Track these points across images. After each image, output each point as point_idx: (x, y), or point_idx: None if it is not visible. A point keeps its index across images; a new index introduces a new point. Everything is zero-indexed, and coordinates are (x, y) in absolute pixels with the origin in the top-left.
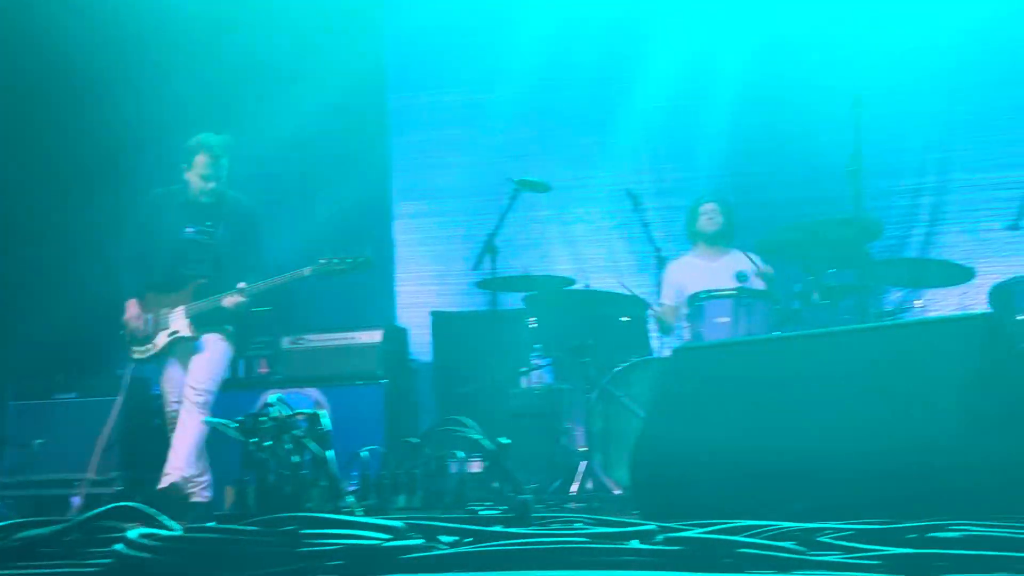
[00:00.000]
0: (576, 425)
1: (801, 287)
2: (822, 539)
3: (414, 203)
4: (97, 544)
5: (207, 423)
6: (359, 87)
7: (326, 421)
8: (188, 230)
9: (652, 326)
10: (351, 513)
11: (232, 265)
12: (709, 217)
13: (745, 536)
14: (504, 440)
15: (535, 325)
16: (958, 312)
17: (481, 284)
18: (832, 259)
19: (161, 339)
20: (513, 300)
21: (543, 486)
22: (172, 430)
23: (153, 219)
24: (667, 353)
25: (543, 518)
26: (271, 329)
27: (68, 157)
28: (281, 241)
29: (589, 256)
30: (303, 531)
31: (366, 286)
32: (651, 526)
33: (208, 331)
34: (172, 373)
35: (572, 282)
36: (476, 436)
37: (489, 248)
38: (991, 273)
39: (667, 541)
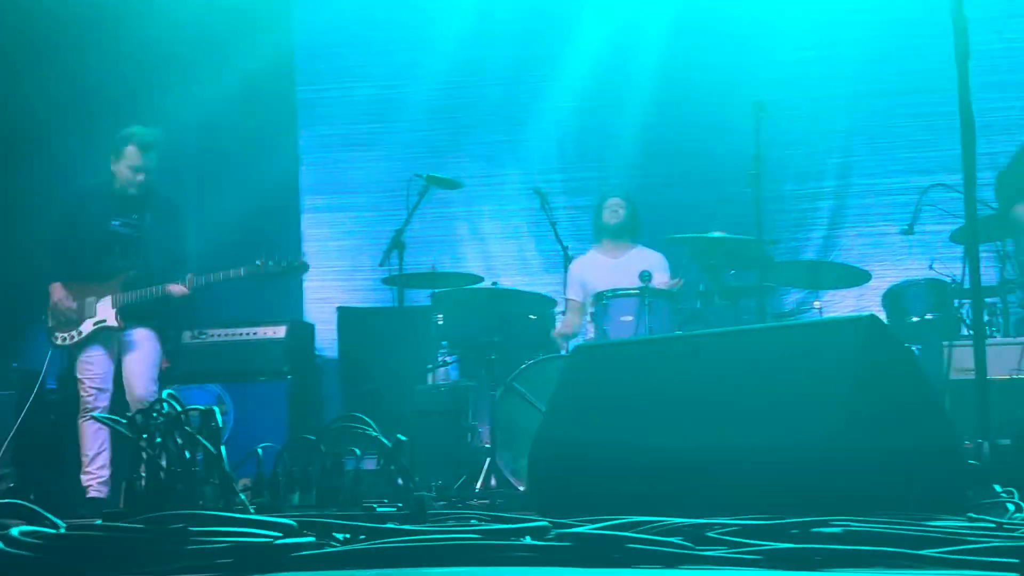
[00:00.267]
0: (481, 422)
1: (703, 288)
2: (709, 534)
3: (322, 197)
4: None
5: (95, 419)
6: (267, 78)
7: (220, 417)
8: (114, 223)
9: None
10: (243, 511)
11: (159, 258)
12: (613, 210)
13: (635, 532)
14: (401, 437)
15: (442, 322)
16: (845, 314)
17: (388, 280)
18: (733, 261)
19: (86, 327)
20: (420, 297)
21: (448, 483)
22: (84, 417)
23: (77, 211)
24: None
25: (439, 515)
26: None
27: None
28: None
29: (498, 254)
30: (192, 529)
31: (271, 280)
32: (543, 523)
33: (135, 324)
34: (93, 360)
35: (480, 279)
36: (374, 433)
37: (397, 244)
38: (886, 276)
39: (558, 537)
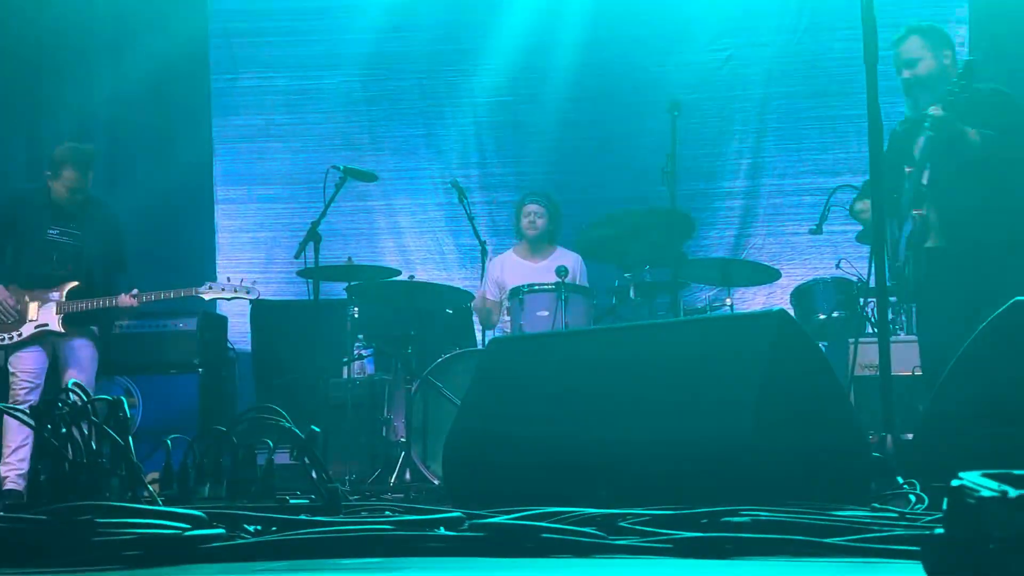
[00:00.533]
0: (397, 416)
1: (619, 283)
2: (622, 524)
3: (236, 189)
4: None
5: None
6: (180, 66)
7: (127, 408)
8: (51, 231)
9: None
10: (151, 503)
11: (99, 267)
12: (530, 220)
13: (548, 522)
14: (315, 428)
15: (357, 315)
16: (756, 309)
17: (303, 272)
18: (648, 257)
19: (27, 329)
20: (336, 290)
21: (362, 477)
22: None
23: (13, 216)
24: None
25: (353, 507)
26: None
27: None
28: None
29: (415, 247)
30: (98, 520)
31: (184, 272)
32: (457, 514)
33: (75, 330)
34: (30, 355)
35: (397, 273)
36: (286, 424)
37: (313, 236)
38: (795, 275)
39: (472, 528)
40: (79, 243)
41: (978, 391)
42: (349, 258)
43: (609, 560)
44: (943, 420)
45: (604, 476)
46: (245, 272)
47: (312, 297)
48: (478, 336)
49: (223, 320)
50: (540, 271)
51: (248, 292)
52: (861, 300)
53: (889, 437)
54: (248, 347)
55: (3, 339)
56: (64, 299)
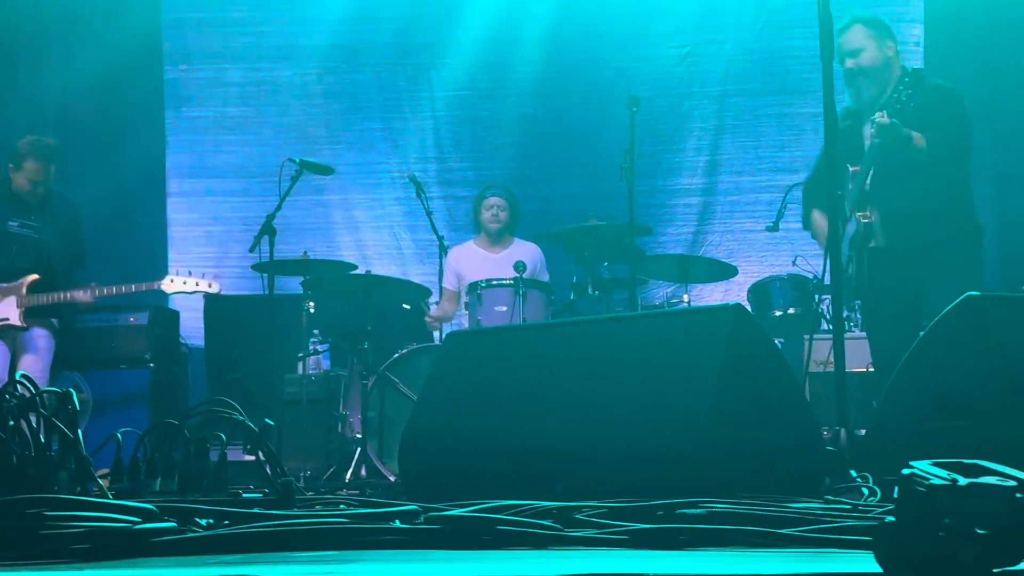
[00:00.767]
0: (353, 412)
1: (577, 279)
2: (578, 516)
3: (190, 182)
4: None
5: None
6: (132, 56)
7: (76, 400)
8: (11, 223)
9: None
10: (101, 497)
11: (59, 261)
12: (492, 214)
13: (505, 515)
14: (269, 421)
15: (313, 310)
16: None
17: (257, 267)
18: (606, 254)
19: None
20: (292, 284)
21: (317, 473)
22: None
23: None
24: None
25: (307, 500)
26: None
27: None
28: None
29: (372, 242)
30: (46, 514)
31: (136, 266)
32: (413, 507)
33: (35, 323)
34: None
35: (354, 267)
36: (240, 418)
37: (268, 230)
38: (751, 271)
39: (428, 521)
40: (40, 236)
41: (929, 386)
42: (305, 252)
43: (565, 552)
44: (895, 415)
45: (561, 470)
46: (198, 266)
47: (267, 292)
48: (434, 332)
49: (175, 315)
50: (499, 262)
51: (211, 286)
52: (816, 297)
53: (843, 431)
54: (201, 342)
55: None
56: (26, 293)
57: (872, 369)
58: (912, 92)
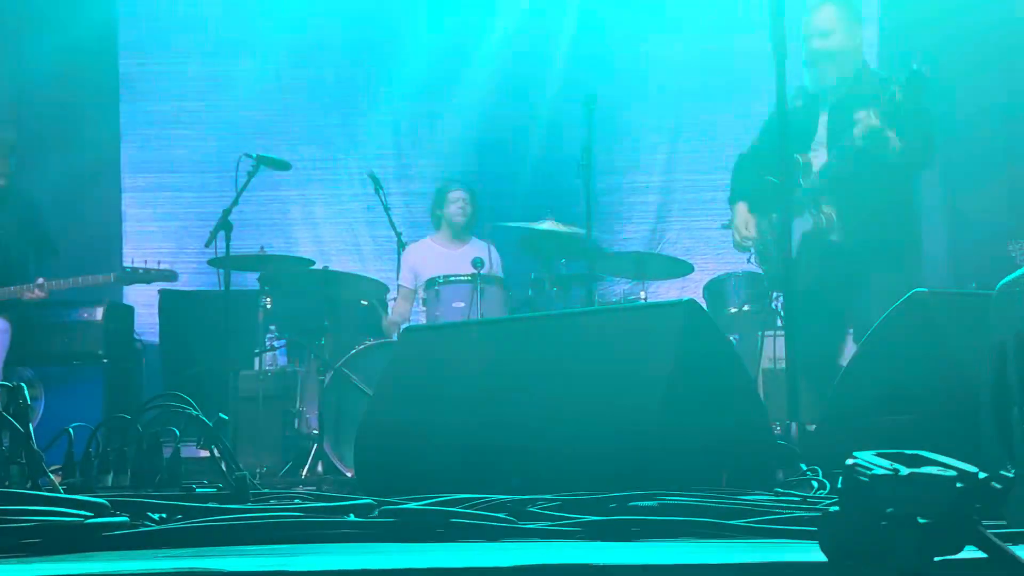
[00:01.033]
0: (309, 408)
1: (535, 275)
2: (532, 509)
3: (145, 176)
4: None
5: None
6: (87, 49)
7: (27, 394)
8: None
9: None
10: (53, 491)
11: (20, 255)
12: (459, 207)
13: (459, 508)
14: (223, 416)
15: (270, 306)
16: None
17: (213, 262)
18: (564, 251)
19: None
20: (249, 280)
21: (273, 470)
22: None
23: None
24: None
25: (261, 495)
26: None
27: None
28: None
29: (330, 238)
30: None
31: (90, 262)
32: (368, 500)
33: None
34: None
35: (311, 263)
36: (194, 412)
37: (224, 225)
38: (707, 269)
39: (383, 514)
40: None
41: (877, 381)
42: (262, 248)
43: (519, 544)
44: (844, 409)
45: (517, 464)
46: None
47: (223, 287)
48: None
49: (130, 310)
50: (457, 259)
51: (168, 277)
52: (771, 294)
53: (794, 426)
54: (156, 338)
55: None
56: None
57: None
58: (909, 95)
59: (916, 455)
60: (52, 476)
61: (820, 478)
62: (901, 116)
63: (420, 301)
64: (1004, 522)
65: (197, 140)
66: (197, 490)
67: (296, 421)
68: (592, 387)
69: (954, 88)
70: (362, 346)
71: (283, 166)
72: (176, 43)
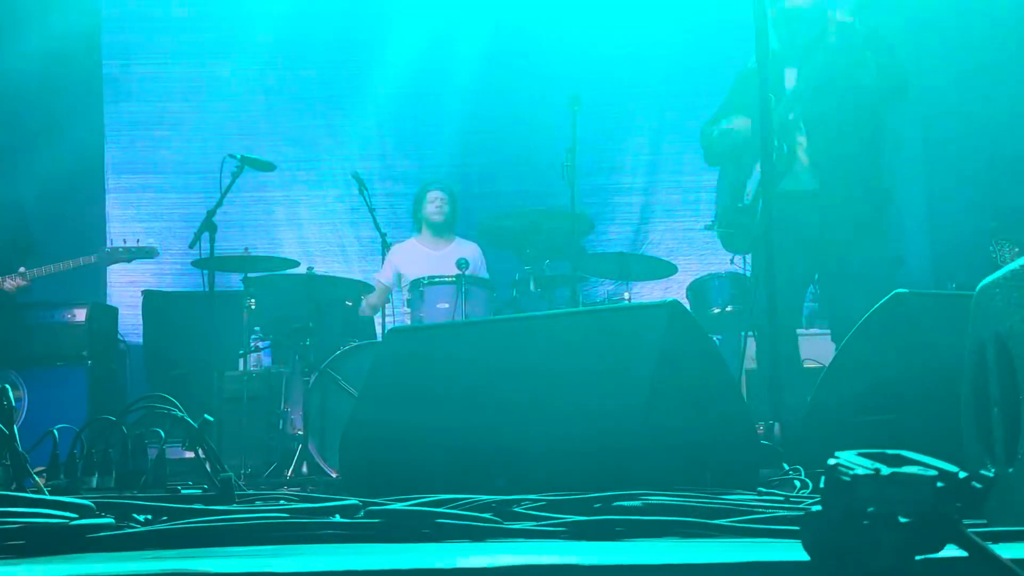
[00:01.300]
0: (294, 409)
1: (519, 276)
2: (517, 510)
3: (129, 177)
4: None
5: None
6: (70, 51)
7: (12, 396)
8: None
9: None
10: (37, 492)
11: (1, 257)
12: (437, 206)
13: (445, 508)
14: (208, 417)
15: (254, 307)
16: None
17: (197, 263)
18: (548, 251)
19: None
20: (233, 281)
21: (258, 471)
22: None
23: None
24: None
25: (246, 496)
26: None
27: None
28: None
29: (314, 239)
30: None
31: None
32: (353, 501)
33: None
34: None
35: (295, 264)
36: (179, 413)
37: (208, 226)
38: (691, 269)
39: (368, 515)
40: None
41: (859, 381)
42: (246, 249)
43: (504, 543)
44: (827, 409)
45: (502, 465)
46: (137, 263)
47: (207, 288)
48: (377, 329)
49: (113, 311)
50: (441, 260)
51: (149, 253)
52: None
53: (777, 426)
54: (139, 339)
55: None
56: None
57: (808, 366)
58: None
59: (897, 455)
60: (36, 478)
61: (802, 477)
62: (873, 41)
63: (405, 302)
64: (985, 521)
65: (181, 141)
66: (182, 491)
67: (281, 422)
68: (577, 387)
69: (935, 85)
70: (347, 347)
71: (267, 167)
72: (159, 45)
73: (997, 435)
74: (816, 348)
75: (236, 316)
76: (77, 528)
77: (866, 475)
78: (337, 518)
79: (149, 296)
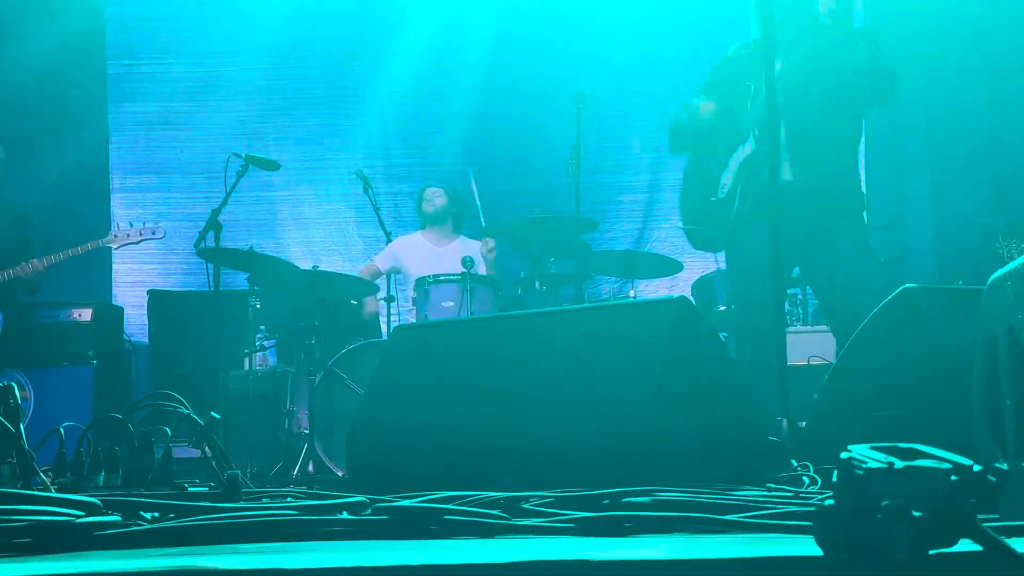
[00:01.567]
0: (300, 408)
1: (524, 274)
2: (525, 506)
3: (134, 177)
4: None
5: None
6: (75, 51)
7: (18, 394)
8: None
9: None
10: (44, 491)
11: (5, 251)
12: (430, 200)
13: (453, 505)
14: (215, 415)
15: (260, 306)
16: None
17: (202, 252)
18: (553, 250)
19: None
20: (238, 281)
21: (264, 470)
22: None
23: None
24: None
25: (253, 493)
26: None
27: None
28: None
29: (319, 238)
30: None
31: (78, 263)
32: (361, 498)
33: None
34: None
35: (300, 263)
36: (185, 411)
37: (213, 225)
38: (696, 267)
39: (376, 512)
40: None
41: (867, 377)
42: (251, 247)
43: (513, 540)
44: (835, 405)
45: (509, 462)
46: (142, 263)
47: (212, 287)
48: (383, 327)
49: (119, 311)
50: (444, 257)
51: (155, 232)
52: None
53: (784, 422)
54: (145, 339)
55: None
56: None
57: (815, 362)
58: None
59: (910, 448)
60: (43, 476)
61: (811, 474)
62: (862, 36)
63: (410, 300)
64: (997, 516)
65: (186, 141)
66: (189, 489)
67: (287, 421)
68: (584, 383)
69: (941, 84)
70: (352, 345)
71: (272, 166)
72: (164, 44)
73: (1009, 429)
74: (820, 345)
75: (242, 315)
76: (84, 526)
77: (880, 468)
78: (345, 515)
79: (155, 296)
